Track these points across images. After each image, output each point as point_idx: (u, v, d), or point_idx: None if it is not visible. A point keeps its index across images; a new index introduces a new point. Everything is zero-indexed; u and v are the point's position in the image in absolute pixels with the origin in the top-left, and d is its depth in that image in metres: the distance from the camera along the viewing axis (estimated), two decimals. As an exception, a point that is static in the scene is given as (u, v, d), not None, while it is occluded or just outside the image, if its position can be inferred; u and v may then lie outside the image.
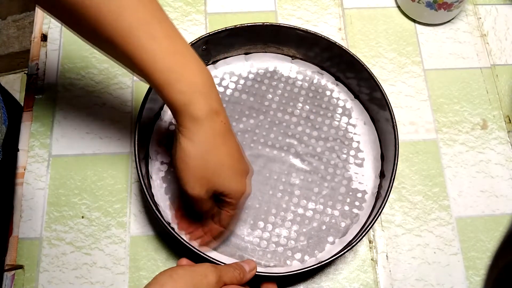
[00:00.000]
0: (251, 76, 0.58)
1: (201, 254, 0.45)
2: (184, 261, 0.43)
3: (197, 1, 0.64)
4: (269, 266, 0.49)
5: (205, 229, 0.48)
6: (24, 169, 0.54)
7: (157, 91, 0.41)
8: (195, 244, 0.48)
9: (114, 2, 0.38)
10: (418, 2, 0.62)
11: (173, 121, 0.55)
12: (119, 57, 0.41)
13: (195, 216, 0.49)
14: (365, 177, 0.54)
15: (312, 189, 0.53)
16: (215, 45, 0.55)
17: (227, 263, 0.45)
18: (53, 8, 0.41)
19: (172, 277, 0.38)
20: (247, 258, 0.49)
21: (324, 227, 0.51)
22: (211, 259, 0.45)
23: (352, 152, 0.55)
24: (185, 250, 0.45)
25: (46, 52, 0.60)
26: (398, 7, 0.65)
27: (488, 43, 0.64)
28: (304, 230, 0.51)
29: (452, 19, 0.65)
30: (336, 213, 0.52)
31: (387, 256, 0.53)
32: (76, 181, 0.54)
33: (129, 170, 0.55)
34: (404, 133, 0.58)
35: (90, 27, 0.39)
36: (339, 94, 0.58)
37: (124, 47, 0.39)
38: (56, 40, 0.61)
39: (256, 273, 0.45)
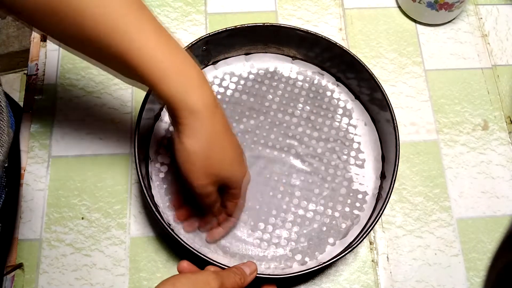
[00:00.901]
0: (251, 76, 0.58)
1: (202, 256, 0.45)
2: (185, 263, 0.43)
3: (197, 1, 0.64)
4: (269, 268, 0.49)
5: (207, 220, 0.50)
6: (24, 170, 0.54)
7: (152, 87, 0.40)
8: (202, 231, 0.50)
9: None
10: (419, 2, 0.61)
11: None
12: (108, 59, 0.40)
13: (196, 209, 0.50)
14: (365, 178, 0.54)
15: (312, 190, 0.53)
16: (216, 46, 0.55)
17: (227, 264, 0.44)
18: (26, 13, 0.38)
19: (175, 285, 0.37)
20: (247, 260, 0.49)
21: (324, 229, 0.51)
22: (211, 261, 0.44)
23: (352, 153, 0.55)
24: (185, 251, 0.45)
25: (45, 52, 0.60)
26: (399, 7, 0.65)
27: (489, 44, 0.64)
28: (305, 231, 0.51)
29: (453, 19, 0.65)
30: (337, 214, 0.52)
31: (387, 257, 0.53)
32: (76, 182, 0.54)
33: (129, 171, 0.55)
34: (405, 134, 0.58)
35: (72, 27, 0.37)
36: (339, 94, 0.57)
37: (113, 45, 0.38)
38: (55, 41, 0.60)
39: (257, 275, 0.44)
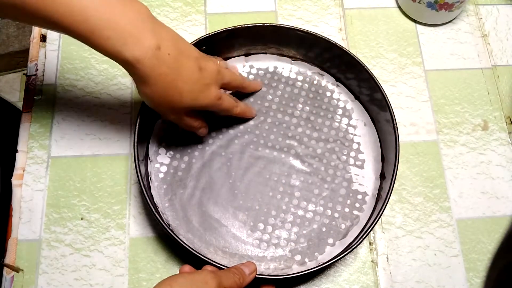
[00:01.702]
0: (251, 77, 0.58)
1: (201, 256, 0.45)
2: (187, 267, 0.43)
3: (197, 1, 0.64)
4: (269, 269, 0.49)
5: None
6: (23, 171, 0.54)
7: (86, 44, 0.39)
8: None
9: None
10: (419, 2, 0.61)
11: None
12: (32, 19, 0.39)
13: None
14: (365, 178, 0.54)
15: (312, 191, 0.53)
16: (215, 46, 0.55)
17: (226, 265, 0.44)
18: None
19: (171, 286, 0.37)
20: (247, 261, 0.49)
21: (324, 229, 0.51)
22: (210, 262, 0.44)
23: (352, 154, 0.55)
24: (184, 252, 0.45)
25: (45, 53, 0.60)
26: (399, 7, 0.65)
27: (489, 44, 0.64)
28: (304, 232, 0.51)
29: (453, 19, 0.65)
30: (336, 214, 0.52)
31: (387, 258, 0.53)
32: (75, 182, 0.54)
33: (128, 171, 0.55)
34: (405, 134, 0.58)
35: None
36: (339, 95, 0.57)
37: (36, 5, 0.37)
38: (55, 41, 0.60)
39: (256, 275, 0.44)
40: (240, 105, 0.52)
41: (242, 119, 0.55)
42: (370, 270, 0.52)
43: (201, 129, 0.51)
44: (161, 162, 0.53)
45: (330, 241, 0.51)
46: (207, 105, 0.47)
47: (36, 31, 0.61)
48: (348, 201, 0.52)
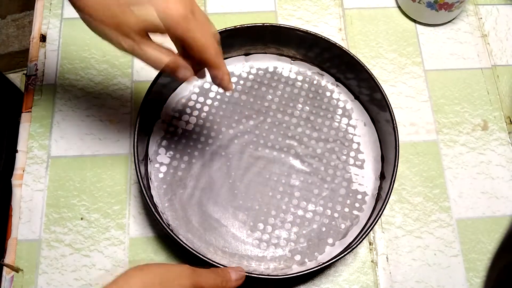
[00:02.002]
0: (251, 77, 0.58)
1: (200, 256, 0.45)
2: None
3: (197, 1, 0.64)
4: (268, 269, 0.49)
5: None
6: (23, 171, 0.54)
7: None
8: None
9: None
10: (418, 2, 0.61)
11: (173, 121, 0.55)
12: None
13: None
14: (365, 178, 0.54)
15: (312, 191, 0.53)
16: (215, 46, 0.55)
17: (226, 265, 0.44)
18: None
19: (142, 270, 0.36)
20: (244, 263, 0.49)
21: (324, 229, 0.51)
22: (210, 261, 0.44)
23: (352, 154, 0.55)
24: (184, 251, 0.45)
25: (45, 53, 0.60)
26: (399, 7, 0.65)
27: (489, 44, 0.64)
28: (304, 232, 0.51)
29: (453, 19, 0.65)
30: (336, 214, 0.52)
31: (387, 258, 0.53)
32: (75, 182, 0.54)
33: (128, 171, 0.55)
34: (405, 134, 0.58)
35: None
36: (339, 95, 0.57)
37: None
38: (55, 41, 0.60)
39: (256, 275, 0.44)
40: (221, 57, 0.39)
41: (242, 119, 0.55)
42: (370, 270, 0.52)
43: (180, 69, 0.38)
44: (161, 162, 0.53)
45: (330, 241, 0.51)
46: (166, 18, 0.34)
47: (36, 31, 0.61)
48: (348, 201, 0.52)
